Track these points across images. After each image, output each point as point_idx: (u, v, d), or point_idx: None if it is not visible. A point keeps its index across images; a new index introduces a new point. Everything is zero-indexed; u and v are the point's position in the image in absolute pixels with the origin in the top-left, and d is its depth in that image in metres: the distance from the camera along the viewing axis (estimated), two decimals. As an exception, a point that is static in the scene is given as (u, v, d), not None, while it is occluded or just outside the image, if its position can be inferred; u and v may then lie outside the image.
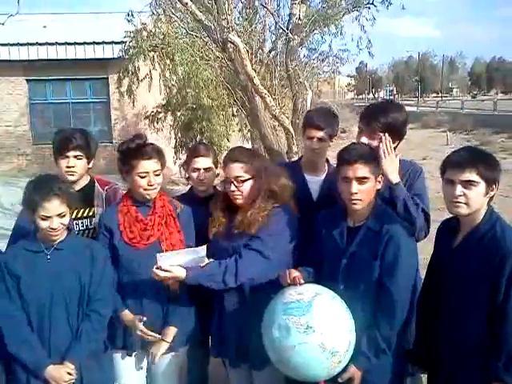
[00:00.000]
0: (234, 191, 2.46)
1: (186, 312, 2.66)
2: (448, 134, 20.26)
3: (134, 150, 2.50)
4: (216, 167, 2.95)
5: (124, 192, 2.75)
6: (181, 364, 2.77)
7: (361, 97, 68.75)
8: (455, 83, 71.42)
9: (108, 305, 2.51)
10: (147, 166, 2.49)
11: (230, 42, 4.19)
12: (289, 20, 4.69)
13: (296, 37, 4.58)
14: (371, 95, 71.31)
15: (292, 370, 2.08)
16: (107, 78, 14.21)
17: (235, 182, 2.45)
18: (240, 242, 2.45)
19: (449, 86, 68.09)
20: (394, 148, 2.55)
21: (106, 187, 2.91)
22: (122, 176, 2.59)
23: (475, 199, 2.00)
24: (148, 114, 11.32)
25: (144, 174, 2.49)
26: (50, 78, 14.28)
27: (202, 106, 9.74)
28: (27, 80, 14.42)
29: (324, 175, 2.94)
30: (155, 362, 2.59)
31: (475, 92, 68.00)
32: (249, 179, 2.45)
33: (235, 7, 4.50)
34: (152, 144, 2.58)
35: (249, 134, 12.03)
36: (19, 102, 14.54)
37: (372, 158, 2.28)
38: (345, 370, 2.12)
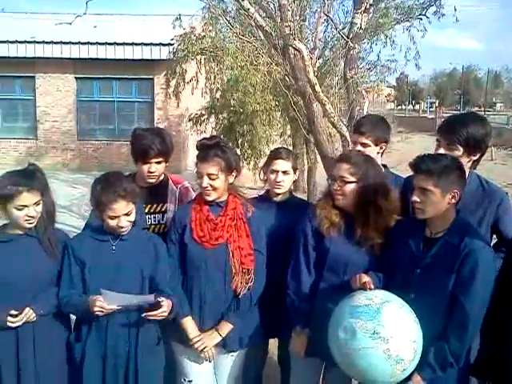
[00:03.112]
0: (336, 190, 2.48)
1: (247, 315, 2.66)
2: (493, 149, 19.75)
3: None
4: (295, 173, 2.94)
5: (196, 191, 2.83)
6: (238, 366, 2.75)
7: (399, 107, 67.61)
8: (499, 98, 69.45)
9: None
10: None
11: (294, 48, 4.21)
12: (350, 29, 4.69)
13: (357, 46, 4.59)
14: (411, 106, 70.13)
15: (355, 372, 2.09)
16: (153, 79, 14.54)
17: (338, 181, 2.47)
18: (362, 260, 2.47)
19: (492, 100, 66.20)
20: (476, 161, 2.53)
21: (179, 185, 3.00)
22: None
23: None
24: (192, 115, 11.48)
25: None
26: (98, 76, 14.66)
27: (245, 109, 9.81)
28: (76, 78, 14.85)
29: None
30: (208, 354, 2.59)
31: (519, 107, 65.99)
32: (352, 182, 2.44)
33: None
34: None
35: (289, 139, 12.09)
36: (68, 99, 14.98)
37: (441, 171, 2.15)
38: (409, 377, 2.10)
